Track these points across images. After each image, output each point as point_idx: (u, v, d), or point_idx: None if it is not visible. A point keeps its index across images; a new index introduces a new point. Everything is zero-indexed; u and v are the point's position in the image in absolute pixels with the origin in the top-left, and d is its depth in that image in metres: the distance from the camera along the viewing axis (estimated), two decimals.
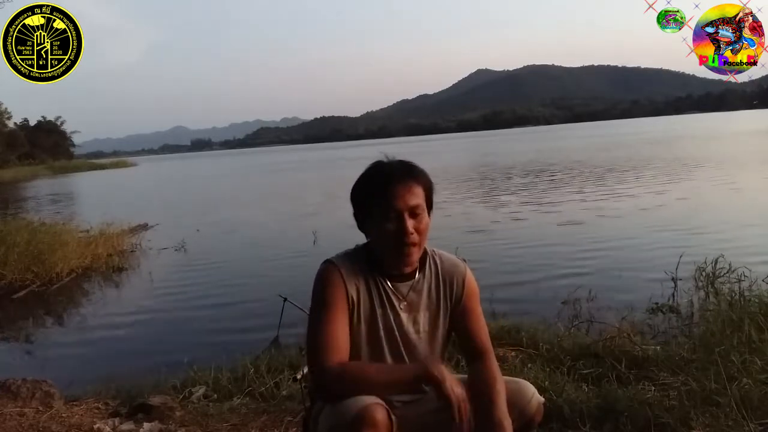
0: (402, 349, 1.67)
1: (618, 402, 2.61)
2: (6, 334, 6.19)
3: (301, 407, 2.74)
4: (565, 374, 3.12)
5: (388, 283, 1.67)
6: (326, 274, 1.62)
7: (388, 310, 1.66)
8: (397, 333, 1.67)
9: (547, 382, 2.90)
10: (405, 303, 1.68)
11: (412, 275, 1.69)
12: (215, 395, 3.36)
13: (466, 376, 1.74)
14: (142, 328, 5.91)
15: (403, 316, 1.68)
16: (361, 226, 1.69)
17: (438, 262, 1.74)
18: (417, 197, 1.62)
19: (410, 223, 1.59)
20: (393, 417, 1.45)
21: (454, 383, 1.46)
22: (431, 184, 1.68)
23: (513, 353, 3.59)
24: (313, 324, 1.59)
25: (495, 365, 1.67)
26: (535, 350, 3.60)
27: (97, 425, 2.93)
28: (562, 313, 4.93)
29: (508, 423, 1.52)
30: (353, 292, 1.62)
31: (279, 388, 3.31)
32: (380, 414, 1.41)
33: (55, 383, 3.48)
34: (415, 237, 1.60)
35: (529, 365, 3.27)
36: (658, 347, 3.44)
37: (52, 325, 6.49)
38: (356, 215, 1.70)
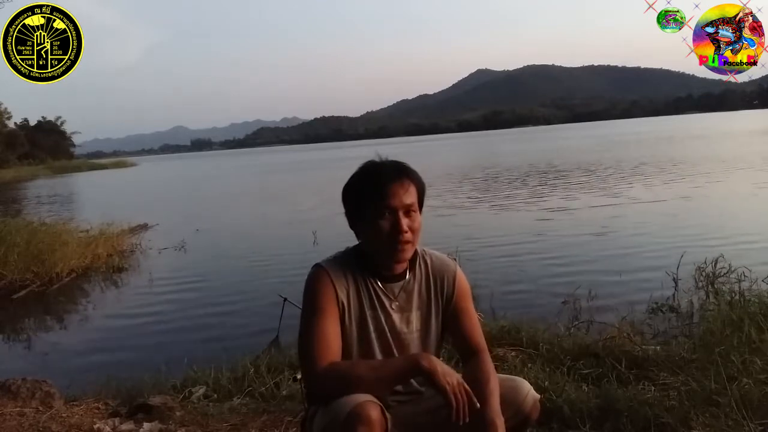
0: (394, 349, 1.67)
1: (618, 402, 2.61)
2: (6, 334, 6.19)
3: (301, 407, 2.74)
4: (565, 374, 3.11)
5: (379, 283, 1.67)
6: (315, 279, 1.63)
7: (379, 311, 1.66)
8: (389, 333, 1.67)
9: (547, 382, 2.90)
10: (396, 303, 1.68)
11: (402, 275, 1.70)
12: (215, 395, 3.36)
13: (461, 375, 1.75)
14: (142, 328, 5.90)
15: (395, 316, 1.68)
16: (353, 225, 1.69)
17: (428, 261, 1.75)
18: (411, 196, 1.62)
19: (405, 222, 1.60)
20: (387, 415, 1.45)
21: (447, 373, 1.46)
22: (423, 185, 1.69)
23: (513, 353, 3.58)
24: (303, 328, 1.59)
25: (489, 363, 1.67)
26: (535, 350, 3.59)
27: (97, 425, 2.93)
28: (562, 313, 4.93)
29: (500, 422, 1.52)
30: (343, 295, 1.62)
31: (279, 388, 3.31)
32: (374, 411, 1.41)
33: (55, 383, 3.47)
34: (409, 235, 1.61)
35: (529, 365, 3.27)
36: (658, 347, 3.44)
37: (52, 325, 6.49)
38: (348, 214, 1.70)
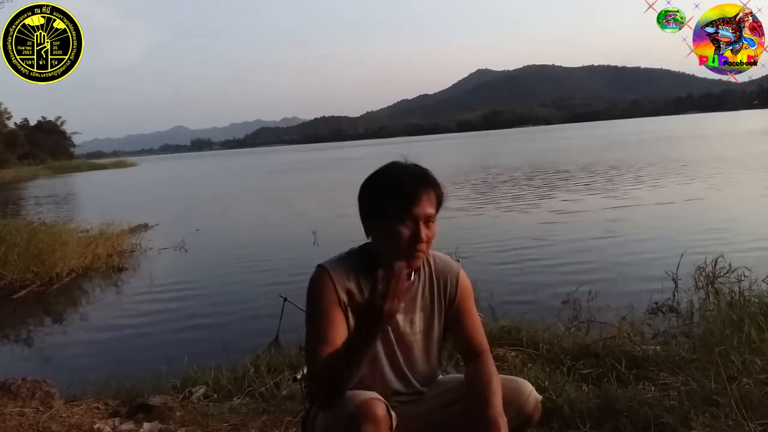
0: (397, 350, 1.67)
1: (618, 402, 2.61)
2: (6, 334, 6.19)
3: (301, 407, 2.74)
4: (565, 374, 3.11)
5: None
6: (318, 280, 1.62)
7: None
8: (392, 334, 1.66)
9: (547, 382, 2.89)
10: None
11: (407, 276, 1.69)
12: (215, 395, 3.36)
13: (462, 375, 1.75)
14: (142, 328, 5.90)
15: (399, 317, 1.67)
16: (366, 224, 1.67)
17: (431, 262, 1.74)
18: (433, 206, 1.61)
19: (424, 232, 1.59)
20: (392, 413, 1.45)
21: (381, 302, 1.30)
22: (443, 194, 1.67)
23: (513, 353, 3.58)
24: (308, 330, 1.59)
25: (491, 364, 1.67)
26: (535, 350, 3.59)
27: (97, 425, 2.93)
28: (562, 313, 4.93)
29: (503, 422, 1.52)
30: (345, 297, 1.61)
31: (279, 388, 3.31)
32: (380, 408, 1.41)
33: (55, 383, 3.47)
34: (425, 245, 1.60)
35: (529, 365, 3.27)
36: (658, 347, 3.44)
37: (52, 325, 6.49)
38: (363, 212, 1.66)
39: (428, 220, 1.60)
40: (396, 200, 1.58)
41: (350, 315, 1.61)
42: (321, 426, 1.50)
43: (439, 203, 1.64)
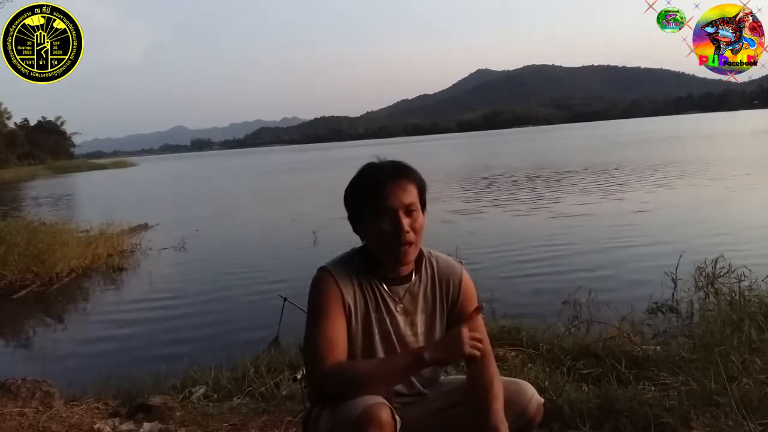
0: (399, 351, 1.66)
1: (618, 402, 2.61)
2: (6, 334, 6.19)
3: (301, 407, 2.74)
4: (565, 374, 3.11)
5: (384, 286, 1.66)
6: (321, 282, 1.62)
7: (384, 314, 1.65)
8: (393, 336, 1.66)
9: (547, 383, 2.89)
10: (401, 305, 1.67)
11: (408, 277, 1.68)
12: (215, 395, 3.36)
13: (464, 376, 1.74)
14: (142, 328, 5.91)
15: (400, 318, 1.67)
16: (356, 228, 1.68)
17: (434, 263, 1.73)
18: (410, 195, 1.61)
19: (406, 222, 1.58)
20: (397, 417, 1.44)
21: (449, 350, 1.50)
22: (424, 184, 1.67)
23: (513, 353, 3.59)
24: (309, 331, 1.59)
25: (493, 368, 1.66)
26: (535, 350, 3.59)
27: (97, 425, 2.93)
28: (562, 313, 4.94)
29: (504, 427, 1.52)
30: (349, 298, 1.61)
31: (279, 388, 3.31)
32: (385, 413, 1.40)
33: (55, 383, 3.47)
34: (411, 235, 1.59)
35: (529, 365, 3.27)
36: (658, 347, 3.44)
37: (52, 325, 6.49)
38: (350, 218, 1.69)
39: (408, 209, 1.60)
40: (370, 198, 1.60)
41: (352, 317, 1.62)
42: (325, 427, 1.50)
43: (420, 192, 1.64)
